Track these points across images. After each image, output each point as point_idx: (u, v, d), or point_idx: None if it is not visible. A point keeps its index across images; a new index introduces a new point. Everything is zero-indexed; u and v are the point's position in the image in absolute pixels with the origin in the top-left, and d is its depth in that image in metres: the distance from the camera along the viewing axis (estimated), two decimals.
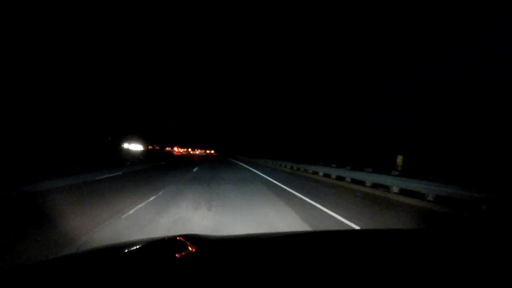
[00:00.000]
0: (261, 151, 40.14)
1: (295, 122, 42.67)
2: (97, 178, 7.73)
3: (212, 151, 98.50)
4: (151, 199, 5.32)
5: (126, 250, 0.96)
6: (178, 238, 1.00)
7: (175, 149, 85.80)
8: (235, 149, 71.97)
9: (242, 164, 22.71)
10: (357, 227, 4.08)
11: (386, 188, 8.41)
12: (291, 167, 18.08)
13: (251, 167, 19.57)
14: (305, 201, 6.19)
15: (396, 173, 8.45)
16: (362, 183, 9.89)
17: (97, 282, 0.63)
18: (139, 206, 4.65)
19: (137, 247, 0.99)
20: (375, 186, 9.20)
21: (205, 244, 0.99)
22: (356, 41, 33.95)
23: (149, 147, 42.26)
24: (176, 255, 0.85)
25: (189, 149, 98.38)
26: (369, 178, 9.47)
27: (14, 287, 0.62)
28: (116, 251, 1.00)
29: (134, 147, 31.99)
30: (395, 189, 7.90)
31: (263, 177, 11.92)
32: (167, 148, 79.50)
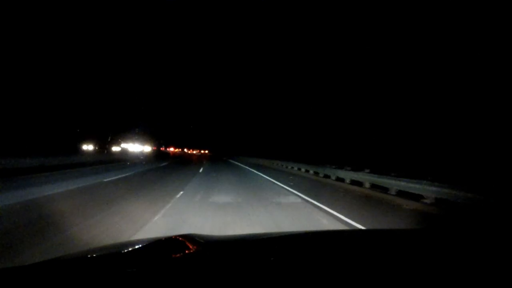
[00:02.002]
0: (257, 152, 40.41)
1: (293, 121, 42.70)
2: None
3: (207, 151, 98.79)
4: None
5: (126, 250, 0.95)
6: (178, 238, 1.00)
7: (171, 149, 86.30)
8: (230, 150, 72.13)
9: (255, 171, 22.10)
10: None
11: None
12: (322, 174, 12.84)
13: (264, 173, 18.08)
14: None
15: None
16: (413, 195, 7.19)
17: (97, 282, 0.62)
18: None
19: (137, 247, 0.99)
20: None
21: (205, 244, 0.98)
22: (356, 41, 34.14)
23: (147, 147, 41.92)
24: (176, 255, 0.85)
25: (185, 149, 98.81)
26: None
27: (14, 287, 0.61)
28: (116, 251, 1.01)
29: (136, 147, 31.53)
30: None
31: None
32: (162, 148, 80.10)
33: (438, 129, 22.34)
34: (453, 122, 21.97)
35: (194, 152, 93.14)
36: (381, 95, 26.92)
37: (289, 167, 18.06)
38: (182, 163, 20.89)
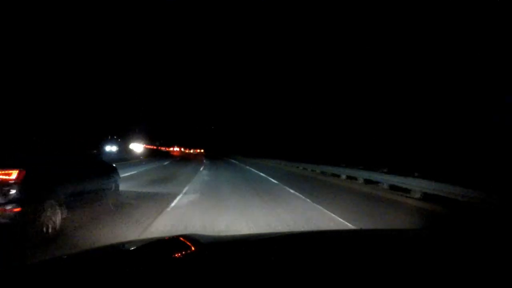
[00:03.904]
0: (255, 152, 40.77)
1: (292, 121, 42.70)
2: None
3: (202, 150, 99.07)
4: None
5: (127, 250, 0.96)
6: (178, 238, 1.00)
7: (171, 148, 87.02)
8: (226, 150, 72.17)
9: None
10: None
11: None
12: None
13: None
14: None
15: None
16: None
17: (97, 282, 0.62)
18: None
19: (137, 246, 1.00)
20: None
21: (205, 244, 0.98)
22: (356, 41, 34.24)
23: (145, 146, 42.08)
24: (175, 255, 0.86)
25: (181, 148, 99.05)
26: None
27: (15, 287, 0.62)
28: (116, 251, 1.01)
29: (137, 147, 31.53)
30: None
31: None
32: (160, 148, 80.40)
33: (447, 129, 22.37)
34: (457, 122, 22.14)
35: (191, 151, 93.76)
36: (382, 94, 27.07)
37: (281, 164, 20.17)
38: (185, 160, 21.09)
